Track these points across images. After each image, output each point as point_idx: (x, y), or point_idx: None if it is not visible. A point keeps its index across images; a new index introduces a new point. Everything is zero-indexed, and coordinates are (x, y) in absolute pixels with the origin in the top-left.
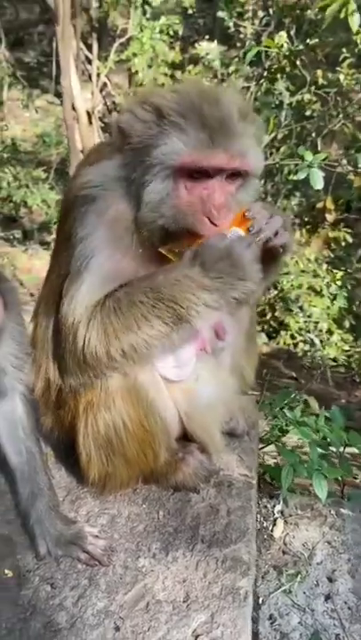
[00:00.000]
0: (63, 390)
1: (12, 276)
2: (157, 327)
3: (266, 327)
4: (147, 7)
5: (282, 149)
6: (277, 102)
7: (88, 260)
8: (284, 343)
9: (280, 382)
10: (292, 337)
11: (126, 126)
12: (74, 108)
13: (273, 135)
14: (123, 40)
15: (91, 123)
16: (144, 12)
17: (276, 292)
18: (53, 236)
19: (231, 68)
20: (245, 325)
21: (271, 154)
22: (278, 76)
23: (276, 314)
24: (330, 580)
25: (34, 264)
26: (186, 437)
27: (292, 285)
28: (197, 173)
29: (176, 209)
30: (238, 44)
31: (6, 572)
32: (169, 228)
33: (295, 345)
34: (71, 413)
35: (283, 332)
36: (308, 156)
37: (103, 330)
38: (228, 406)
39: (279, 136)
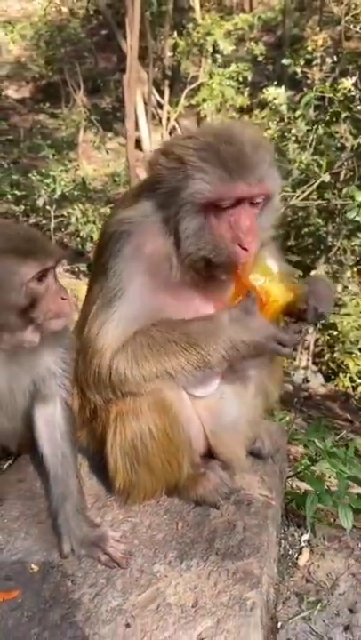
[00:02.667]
0: (96, 405)
1: (73, 305)
2: (183, 364)
3: (324, 368)
4: (217, 55)
5: (344, 190)
6: (339, 145)
7: (122, 292)
8: (343, 386)
9: (334, 424)
10: (352, 380)
11: (156, 173)
12: (141, 149)
13: (328, 175)
14: (193, 86)
15: None
16: (214, 60)
17: (335, 333)
18: None
19: (297, 112)
20: None
21: (333, 194)
22: (336, 119)
23: (335, 355)
24: (351, 611)
25: None
26: (211, 455)
27: (351, 327)
28: (224, 205)
29: (211, 240)
30: (305, 89)
31: (33, 566)
32: (212, 258)
33: (354, 388)
34: (102, 424)
35: (341, 375)
36: (359, 196)
37: (133, 357)
38: (253, 426)
39: (341, 177)
